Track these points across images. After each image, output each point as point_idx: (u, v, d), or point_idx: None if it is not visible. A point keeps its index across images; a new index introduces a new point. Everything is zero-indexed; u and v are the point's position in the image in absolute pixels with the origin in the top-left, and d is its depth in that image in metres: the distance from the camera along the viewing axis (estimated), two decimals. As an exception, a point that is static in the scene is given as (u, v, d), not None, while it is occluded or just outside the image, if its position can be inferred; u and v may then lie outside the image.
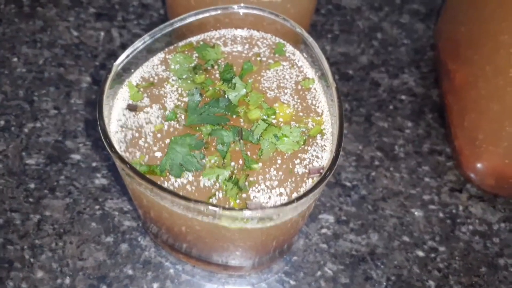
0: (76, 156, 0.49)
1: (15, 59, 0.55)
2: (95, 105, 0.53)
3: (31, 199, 0.46)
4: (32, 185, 0.47)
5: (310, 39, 0.36)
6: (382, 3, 0.63)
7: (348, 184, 0.49)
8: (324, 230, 0.46)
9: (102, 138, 0.30)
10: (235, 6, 0.36)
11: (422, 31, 0.61)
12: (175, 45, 0.37)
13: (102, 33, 0.58)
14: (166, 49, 0.37)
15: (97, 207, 0.46)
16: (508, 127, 0.42)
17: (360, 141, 0.53)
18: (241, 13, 0.37)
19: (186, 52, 0.37)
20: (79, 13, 0.59)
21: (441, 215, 0.48)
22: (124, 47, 0.57)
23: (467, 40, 0.49)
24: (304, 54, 0.37)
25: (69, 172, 0.48)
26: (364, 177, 0.50)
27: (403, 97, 0.56)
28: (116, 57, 0.55)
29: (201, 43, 0.37)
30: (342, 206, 0.48)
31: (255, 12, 0.36)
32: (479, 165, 0.46)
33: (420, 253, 0.45)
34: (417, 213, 0.48)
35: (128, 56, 0.34)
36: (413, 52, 0.60)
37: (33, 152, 0.49)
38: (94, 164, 0.48)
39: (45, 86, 0.54)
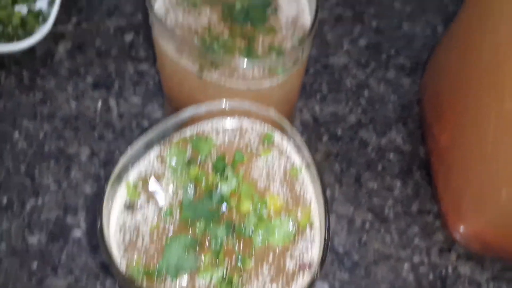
0: (77, 233, 0.51)
1: (16, 134, 0.57)
2: (94, 179, 0.55)
3: (34, 280, 0.48)
4: (35, 265, 0.48)
5: (292, 131, 0.38)
6: (368, 59, 0.65)
7: (341, 250, 0.51)
8: (318, 300, 0.47)
9: (101, 250, 0.32)
10: (223, 102, 0.39)
11: (409, 86, 0.64)
12: (170, 138, 0.39)
13: (100, 103, 0.60)
14: (162, 143, 0.39)
15: (98, 285, 0.47)
16: (492, 195, 0.44)
17: (351, 203, 0.54)
18: (228, 108, 0.39)
19: (180, 146, 0.39)
20: (77, 83, 0.61)
21: (431, 277, 0.50)
22: (121, 116, 0.59)
23: (450, 103, 0.51)
24: (291, 142, 0.39)
25: (71, 249, 0.50)
26: (356, 242, 0.52)
27: (391, 155, 0.58)
28: (113, 127, 0.58)
29: (195, 137, 0.39)
30: (336, 273, 0.49)
31: (241, 106, 0.39)
32: (463, 230, 0.48)
33: (412, 319, 0.47)
34: (408, 276, 0.50)
35: (127, 159, 0.36)
36: (400, 108, 0.62)
37: (35, 230, 0.51)
38: (94, 241, 0.50)
39: (45, 160, 0.56)
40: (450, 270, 0.51)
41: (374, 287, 0.49)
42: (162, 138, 0.39)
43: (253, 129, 0.40)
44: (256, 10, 0.46)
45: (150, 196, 0.37)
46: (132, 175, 0.37)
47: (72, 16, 0.66)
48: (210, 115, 0.40)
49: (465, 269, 0.51)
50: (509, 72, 0.39)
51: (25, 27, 0.62)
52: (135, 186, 0.37)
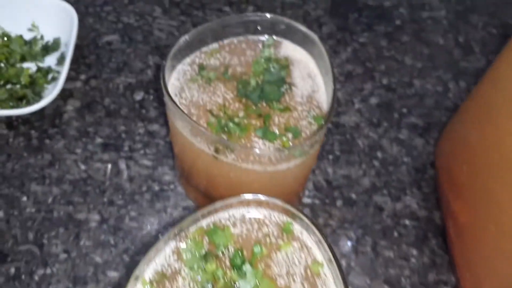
0: (87, 308, 0.49)
1: (25, 198, 0.56)
2: (104, 247, 0.54)
3: None
4: None
5: (311, 225, 0.37)
6: (380, 118, 0.65)
7: (358, 327, 0.50)
8: None
9: None
10: (241, 197, 0.38)
11: (422, 147, 0.63)
12: (186, 230, 0.38)
13: (109, 166, 0.59)
14: (177, 236, 0.38)
15: None
16: (513, 281, 0.43)
17: (367, 274, 0.53)
18: (245, 200, 0.38)
19: (196, 239, 0.38)
20: (86, 144, 0.60)
21: None
22: (131, 180, 0.58)
23: (469, 177, 0.50)
24: (311, 233, 0.38)
25: (80, 326, 0.48)
26: (372, 317, 0.50)
27: (407, 222, 0.57)
28: (123, 191, 0.57)
29: (212, 226, 0.38)
30: None
31: (258, 198, 0.38)
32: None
33: None
34: None
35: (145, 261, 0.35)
36: (414, 171, 0.61)
37: (44, 304, 0.50)
38: (105, 317, 0.49)
39: (54, 227, 0.55)
40: None
41: None
42: (178, 231, 0.38)
43: (272, 219, 0.39)
44: (271, 86, 0.45)
45: (167, 295, 0.36)
46: (148, 272, 0.36)
47: (80, 73, 0.66)
48: (227, 206, 0.39)
49: None
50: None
51: (34, 86, 0.62)
52: (152, 284, 0.36)
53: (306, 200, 0.58)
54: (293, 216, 0.38)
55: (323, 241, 0.37)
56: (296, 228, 0.39)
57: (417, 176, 0.60)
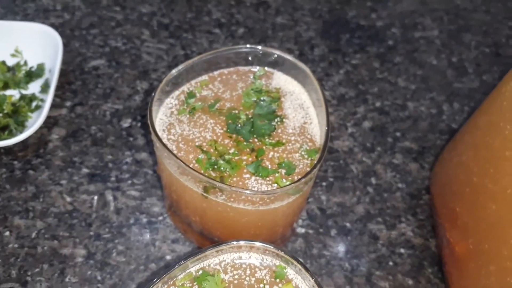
0: None
1: (7, 233, 0.54)
2: (90, 283, 0.52)
3: None
4: None
5: (302, 268, 0.36)
6: (374, 143, 0.64)
7: None
8: None
9: None
10: (234, 242, 0.36)
11: (416, 172, 0.62)
12: (172, 275, 0.36)
13: (96, 197, 0.57)
14: (166, 286, 0.36)
15: None
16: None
17: (363, 307, 0.52)
18: (237, 245, 0.36)
19: (185, 284, 0.36)
20: (71, 174, 0.58)
21: None
22: (118, 212, 0.56)
23: (466, 210, 0.49)
24: (305, 281, 0.37)
25: None
26: None
27: (402, 250, 0.56)
28: (110, 223, 0.55)
29: (201, 271, 0.37)
30: None
31: (251, 244, 0.36)
32: None
33: None
34: None
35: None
36: (409, 197, 0.60)
37: None
38: None
39: (38, 263, 0.52)
40: None
41: None
42: (164, 273, 0.36)
43: (263, 263, 0.38)
44: (262, 121, 0.44)
45: None
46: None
47: (66, 100, 0.64)
48: (217, 251, 0.37)
49: None
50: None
51: (17, 115, 0.60)
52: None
53: (300, 230, 0.56)
54: (286, 261, 0.37)
55: (316, 286, 0.35)
56: (290, 271, 0.37)
57: (412, 203, 0.59)
